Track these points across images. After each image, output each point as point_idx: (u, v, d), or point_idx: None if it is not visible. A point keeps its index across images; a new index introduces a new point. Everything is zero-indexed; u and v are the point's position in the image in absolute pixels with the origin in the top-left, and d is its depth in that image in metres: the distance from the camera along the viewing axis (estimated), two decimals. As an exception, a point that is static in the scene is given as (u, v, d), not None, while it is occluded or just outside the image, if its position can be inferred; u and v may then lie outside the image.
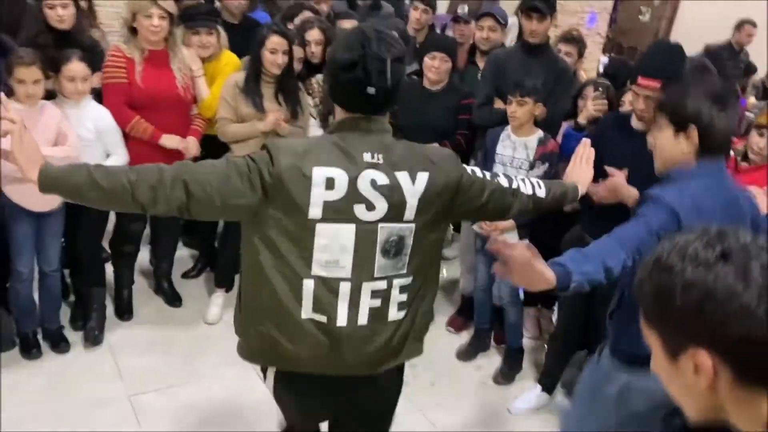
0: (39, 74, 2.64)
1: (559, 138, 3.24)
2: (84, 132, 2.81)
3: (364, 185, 1.56)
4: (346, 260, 1.58)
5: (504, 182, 1.80)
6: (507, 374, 3.26)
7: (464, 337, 3.55)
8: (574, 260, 1.58)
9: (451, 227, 4.24)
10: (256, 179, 1.52)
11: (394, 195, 1.58)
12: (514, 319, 3.25)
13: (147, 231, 3.55)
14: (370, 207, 1.57)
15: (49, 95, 2.79)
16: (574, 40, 3.83)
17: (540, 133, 3.03)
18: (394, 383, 1.86)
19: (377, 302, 1.64)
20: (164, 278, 3.58)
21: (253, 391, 2.73)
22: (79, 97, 2.81)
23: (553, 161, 3.01)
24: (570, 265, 1.56)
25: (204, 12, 3.28)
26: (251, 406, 2.79)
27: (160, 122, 3.02)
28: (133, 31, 2.97)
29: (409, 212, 1.61)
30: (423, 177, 1.61)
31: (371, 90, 1.53)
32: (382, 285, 1.63)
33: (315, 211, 1.54)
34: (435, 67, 3.31)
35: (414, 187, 1.60)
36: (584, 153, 2.07)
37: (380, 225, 1.59)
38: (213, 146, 3.14)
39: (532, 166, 3.00)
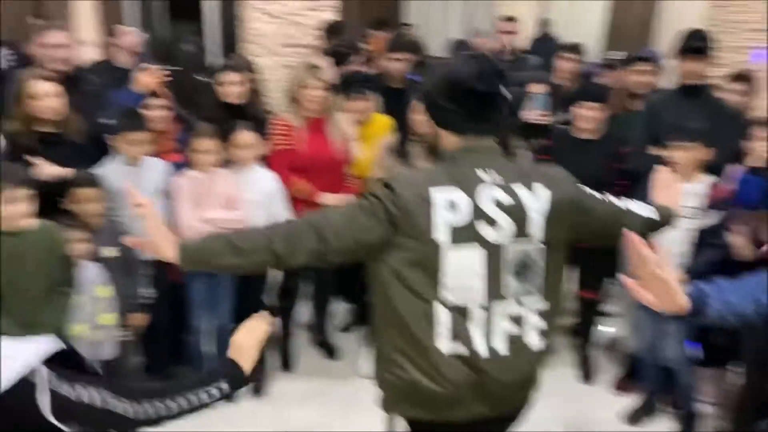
0: (213, 145, 2.91)
1: (728, 183, 2.99)
2: (252, 196, 3.04)
3: (486, 205, 1.54)
4: (478, 284, 1.55)
5: (617, 202, 1.74)
6: (681, 441, 2.98)
7: (633, 399, 3.30)
8: (717, 287, 1.44)
9: (613, 280, 4.01)
10: (381, 213, 1.53)
11: (517, 212, 1.55)
12: (686, 380, 2.98)
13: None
14: (496, 227, 1.54)
15: (223, 163, 3.05)
16: (743, 77, 3.57)
17: (709, 178, 2.83)
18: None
19: (515, 329, 1.58)
20: (322, 332, 3.70)
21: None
22: (247, 163, 3.05)
23: (726, 208, 2.79)
24: (710, 291, 1.41)
25: (360, 79, 3.48)
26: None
27: (319, 183, 3.19)
28: (295, 101, 3.20)
29: (536, 230, 1.56)
30: (545, 194, 1.57)
31: (507, 93, 1.56)
32: (516, 309, 1.58)
33: (441, 236, 1.52)
34: (585, 117, 3.22)
35: (537, 203, 1.56)
36: (664, 180, 2.05)
37: (508, 245, 1.55)
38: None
39: (702, 215, 2.80)
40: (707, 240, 2.84)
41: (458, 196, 1.53)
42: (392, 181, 1.57)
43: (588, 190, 1.69)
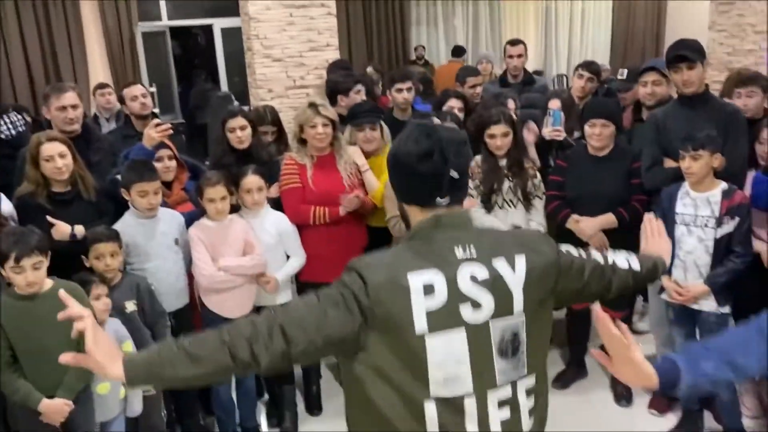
0: (224, 191, 2.92)
1: (747, 187, 2.92)
2: (266, 237, 3.04)
3: (464, 283, 1.42)
4: (465, 372, 1.42)
5: (600, 258, 1.63)
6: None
7: (670, 419, 3.20)
8: (690, 356, 1.38)
9: (641, 297, 3.94)
10: (353, 304, 1.39)
11: (497, 287, 1.43)
12: (727, 396, 2.87)
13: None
14: (476, 305, 1.42)
15: (234, 209, 3.06)
16: (753, 78, 3.51)
17: (723, 185, 2.77)
18: None
19: (506, 414, 1.46)
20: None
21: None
22: (257, 207, 3.05)
23: (743, 214, 2.72)
24: (683, 363, 1.35)
25: (367, 109, 3.45)
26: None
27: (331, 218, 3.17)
28: (302, 141, 3.22)
29: (517, 303, 1.45)
30: (521, 261, 1.46)
31: (455, 174, 1.44)
32: (507, 392, 1.46)
33: (420, 325, 1.40)
34: (596, 135, 3.19)
35: (515, 274, 1.45)
36: (652, 228, 1.89)
37: (491, 323, 1.43)
38: (380, 238, 3.22)
39: (719, 223, 2.73)
40: (727, 249, 2.77)
41: (435, 278, 1.41)
42: (359, 267, 1.42)
43: (567, 250, 1.60)
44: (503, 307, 1.44)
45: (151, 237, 2.90)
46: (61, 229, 2.76)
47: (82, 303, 2.43)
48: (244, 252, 2.98)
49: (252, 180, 3.00)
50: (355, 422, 1.54)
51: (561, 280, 1.53)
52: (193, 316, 3.06)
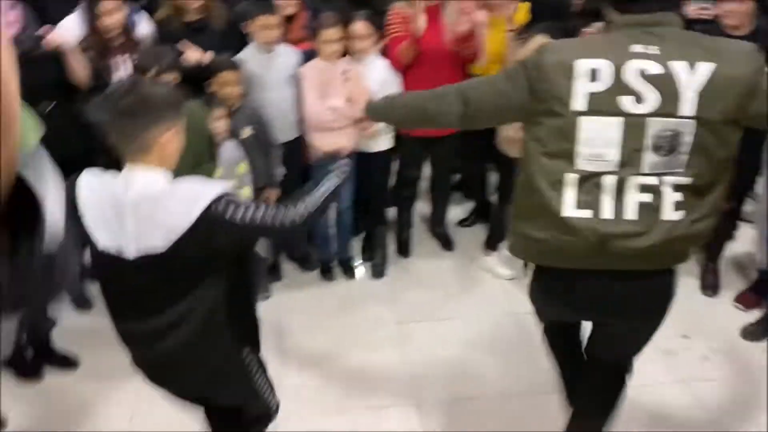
0: (338, 34, 3.05)
1: None
2: (371, 84, 3.17)
3: (631, 75, 1.52)
4: (612, 154, 1.57)
5: None
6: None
7: (755, 315, 3.16)
8: None
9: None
10: (522, 78, 1.63)
11: (666, 86, 1.51)
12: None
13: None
14: (639, 99, 1.53)
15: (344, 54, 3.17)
16: None
17: None
18: (663, 290, 1.78)
19: (647, 197, 1.58)
20: (439, 224, 3.86)
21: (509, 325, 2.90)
22: (364, 53, 3.16)
23: None
24: None
25: None
26: (507, 341, 2.99)
27: (436, 72, 3.14)
28: None
29: (686, 106, 1.51)
30: (705, 68, 1.50)
31: None
32: (652, 181, 1.57)
33: (579, 104, 1.56)
34: (732, 11, 2.93)
35: (693, 78, 1.50)
36: None
37: (651, 119, 1.53)
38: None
39: None
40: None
41: (602, 63, 1.54)
42: (541, 48, 1.65)
43: None
44: (667, 106, 1.53)
45: (269, 70, 3.12)
46: (192, 55, 3.04)
47: (203, 122, 2.77)
48: (350, 95, 3.14)
49: (361, 26, 3.10)
50: (519, 183, 1.77)
51: (750, 99, 1.53)
52: (302, 149, 3.31)
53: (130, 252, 1.55)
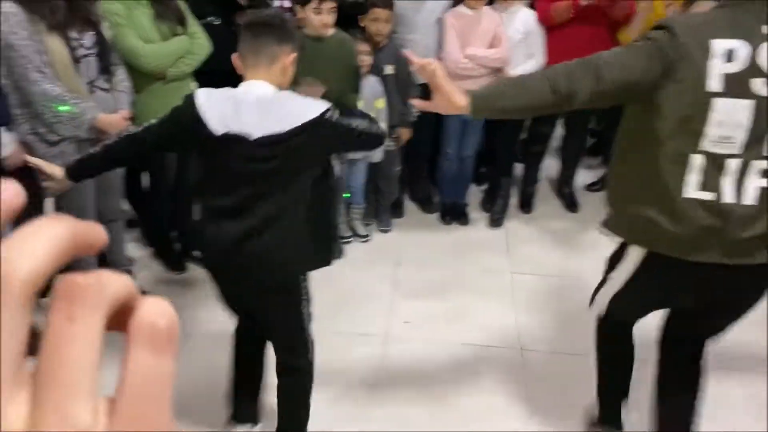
0: None
1: None
2: (513, 33, 3.20)
3: (763, 59, 1.51)
4: (739, 136, 1.55)
5: None
6: None
7: None
8: None
9: None
10: (657, 55, 1.56)
11: None
12: None
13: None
14: None
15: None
16: None
17: None
18: (765, 278, 1.75)
19: (765, 182, 1.57)
20: (566, 184, 3.85)
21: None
22: (508, 4, 3.19)
23: None
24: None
25: None
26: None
27: (580, 31, 3.17)
28: None
29: None
30: None
31: None
32: None
33: (713, 84, 1.53)
34: None
35: None
36: None
37: None
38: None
39: None
40: None
41: (738, 44, 1.52)
42: (671, 24, 1.59)
43: None
44: None
45: (420, 12, 3.22)
46: None
47: (352, 54, 2.93)
48: (491, 45, 3.17)
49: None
50: (631, 160, 1.73)
51: None
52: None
53: (256, 134, 1.71)
